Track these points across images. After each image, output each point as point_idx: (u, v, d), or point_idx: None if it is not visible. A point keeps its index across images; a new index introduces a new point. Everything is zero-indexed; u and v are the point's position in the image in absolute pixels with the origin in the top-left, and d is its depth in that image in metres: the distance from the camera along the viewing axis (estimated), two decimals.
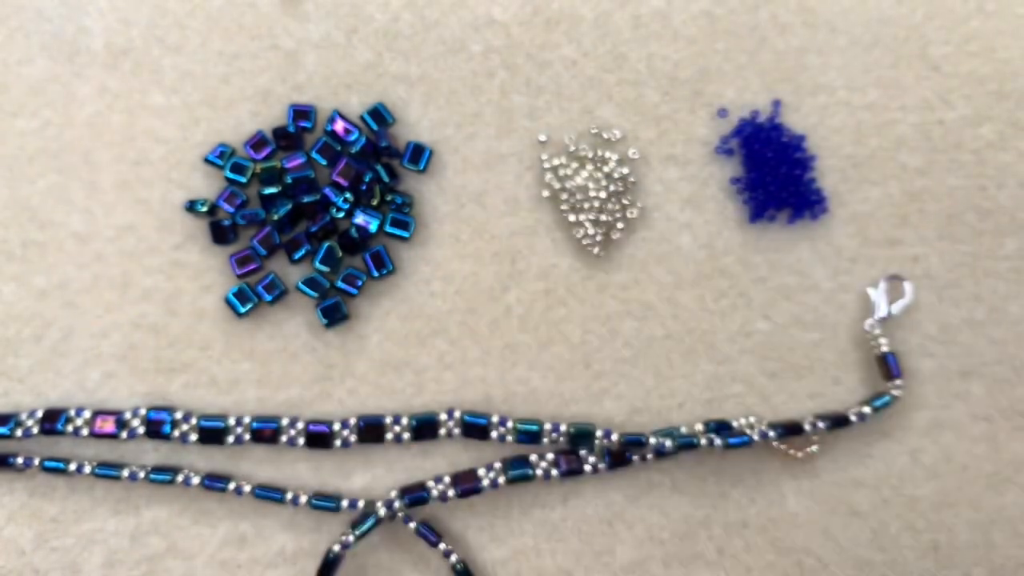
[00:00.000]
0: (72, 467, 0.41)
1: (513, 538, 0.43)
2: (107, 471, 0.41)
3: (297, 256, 0.42)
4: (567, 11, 0.44)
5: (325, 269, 0.42)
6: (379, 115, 0.43)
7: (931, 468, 0.44)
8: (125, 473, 0.41)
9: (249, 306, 0.42)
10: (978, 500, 0.43)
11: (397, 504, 0.41)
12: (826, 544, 0.43)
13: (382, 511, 0.41)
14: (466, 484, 0.41)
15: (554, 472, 0.41)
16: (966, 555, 0.43)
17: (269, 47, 0.44)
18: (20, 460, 0.41)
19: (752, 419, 0.43)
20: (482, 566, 0.42)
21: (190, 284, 0.43)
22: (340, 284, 0.42)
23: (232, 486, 0.41)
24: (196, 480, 0.41)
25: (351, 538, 0.40)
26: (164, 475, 0.41)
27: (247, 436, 0.41)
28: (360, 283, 0.42)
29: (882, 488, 0.43)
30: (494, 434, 0.41)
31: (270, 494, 0.41)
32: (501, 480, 0.41)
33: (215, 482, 0.41)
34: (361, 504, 0.41)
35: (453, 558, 0.41)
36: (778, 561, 0.43)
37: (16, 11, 0.44)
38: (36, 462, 0.41)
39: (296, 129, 0.42)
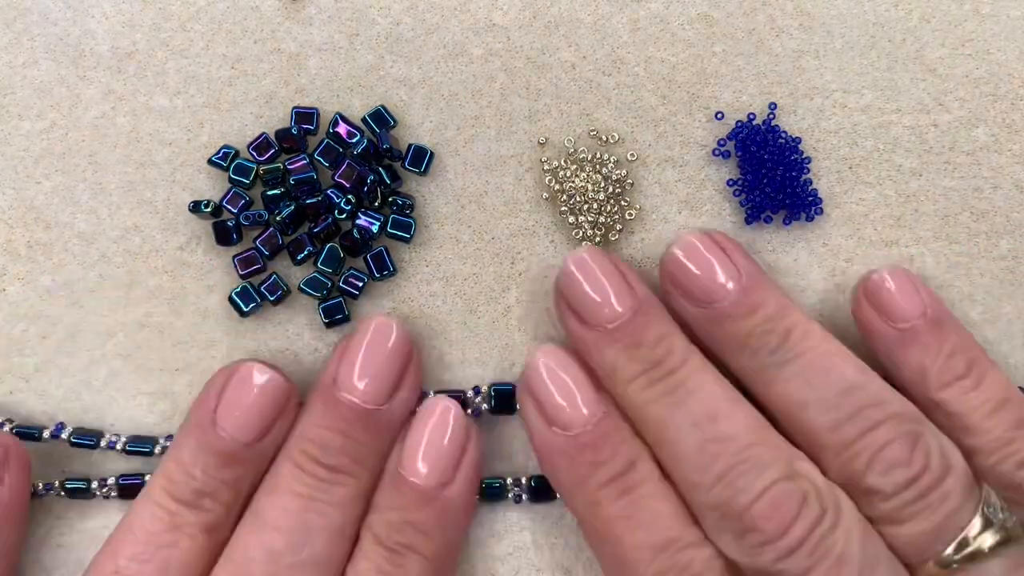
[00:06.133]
0: None
1: (512, 534, 0.43)
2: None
3: (300, 257, 0.42)
4: (566, 15, 0.44)
5: (327, 270, 0.42)
6: (381, 118, 0.43)
7: None
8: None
9: (252, 306, 0.42)
10: None
11: None
12: None
13: None
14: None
15: None
16: None
17: (272, 51, 0.44)
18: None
19: None
20: (481, 562, 0.43)
21: (194, 284, 0.43)
22: (342, 285, 0.42)
23: None
24: None
25: None
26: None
27: None
28: (362, 284, 0.42)
29: None
30: None
31: None
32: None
33: None
34: None
35: None
36: None
37: (21, 14, 0.44)
38: None
39: (299, 131, 0.43)
